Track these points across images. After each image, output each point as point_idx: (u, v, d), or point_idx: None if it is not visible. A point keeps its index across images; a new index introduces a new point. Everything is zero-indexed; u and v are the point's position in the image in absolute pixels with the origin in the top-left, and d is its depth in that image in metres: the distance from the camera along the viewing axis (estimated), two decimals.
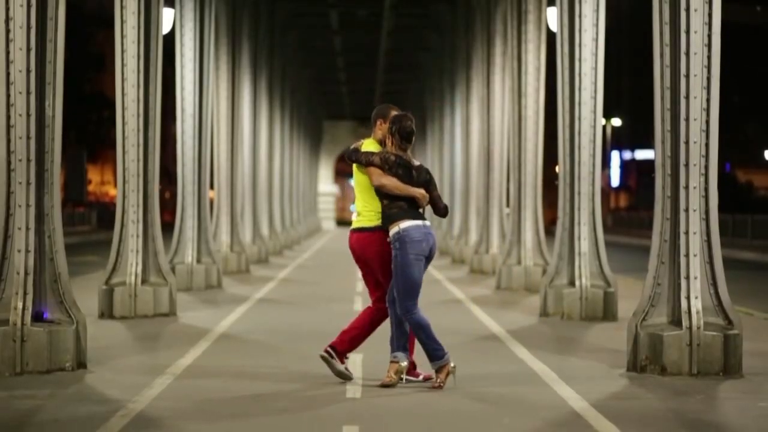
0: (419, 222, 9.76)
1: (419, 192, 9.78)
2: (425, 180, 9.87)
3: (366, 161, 9.83)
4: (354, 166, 10.01)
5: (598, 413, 8.78)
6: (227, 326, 14.47)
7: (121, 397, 9.31)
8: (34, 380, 10.13)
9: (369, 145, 10.05)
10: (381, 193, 9.80)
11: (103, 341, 12.74)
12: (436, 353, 9.79)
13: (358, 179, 10.03)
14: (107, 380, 10.22)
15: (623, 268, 26.08)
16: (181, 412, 8.80)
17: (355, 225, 10.08)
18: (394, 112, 10.02)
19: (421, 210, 9.87)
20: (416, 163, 9.94)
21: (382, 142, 10.01)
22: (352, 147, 10.08)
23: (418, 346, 9.97)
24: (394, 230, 9.71)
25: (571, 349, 12.66)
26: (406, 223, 9.70)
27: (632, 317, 11.00)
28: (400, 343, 9.87)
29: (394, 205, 9.74)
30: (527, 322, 15.41)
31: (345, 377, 10.07)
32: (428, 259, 9.84)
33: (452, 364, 9.82)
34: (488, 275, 24.05)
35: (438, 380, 9.80)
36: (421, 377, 10.02)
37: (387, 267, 9.89)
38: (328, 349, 10.04)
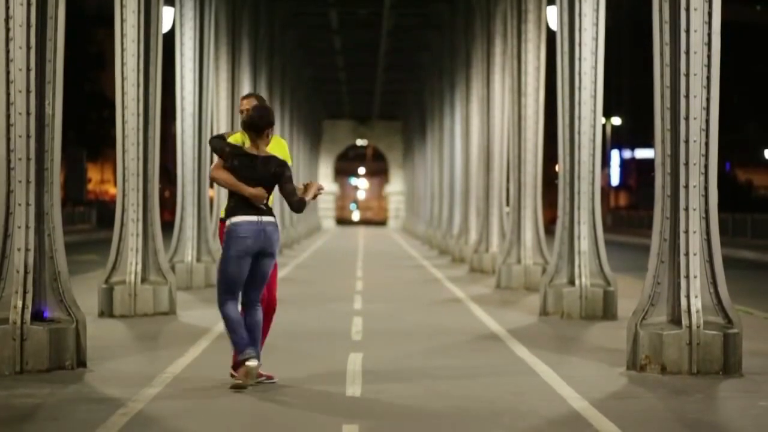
0: (253, 218, 9.50)
1: (251, 192, 9.45)
2: (273, 173, 9.52)
3: (216, 149, 9.63)
4: None
5: (598, 412, 8.78)
6: None
7: (120, 396, 9.30)
8: (34, 379, 10.12)
9: (234, 136, 9.85)
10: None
11: (102, 340, 12.74)
12: (238, 347, 9.51)
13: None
14: (107, 379, 10.21)
15: (623, 267, 26.07)
16: (181, 411, 8.80)
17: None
18: (254, 102, 9.85)
19: (263, 204, 9.54)
20: (265, 154, 9.57)
21: None
22: (219, 134, 9.78)
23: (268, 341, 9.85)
24: (227, 224, 9.58)
25: (571, 348, 12.66)
26: (237, 218, 9.51)
27: (632, 316, 10.99)
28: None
29: (231, 199, 9.58)
30: (527, 321, 15.41)
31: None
32: (263, 254, 9.54)
33: (252, 364, 9.46)
34: (488, 274, 24.06)
35: (239, 374, 9.63)
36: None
37: None
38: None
